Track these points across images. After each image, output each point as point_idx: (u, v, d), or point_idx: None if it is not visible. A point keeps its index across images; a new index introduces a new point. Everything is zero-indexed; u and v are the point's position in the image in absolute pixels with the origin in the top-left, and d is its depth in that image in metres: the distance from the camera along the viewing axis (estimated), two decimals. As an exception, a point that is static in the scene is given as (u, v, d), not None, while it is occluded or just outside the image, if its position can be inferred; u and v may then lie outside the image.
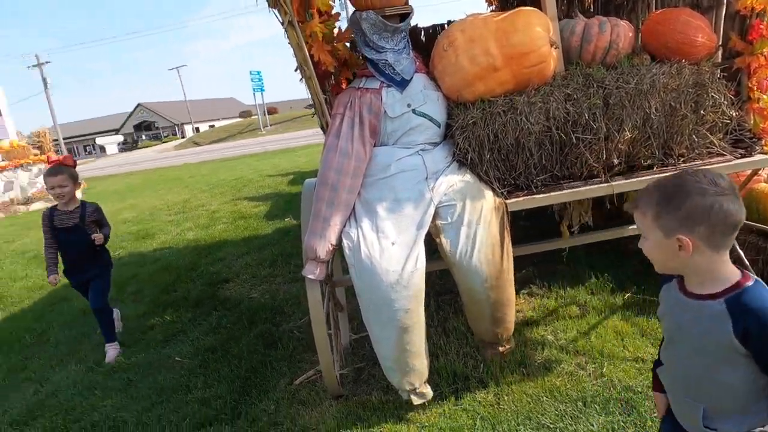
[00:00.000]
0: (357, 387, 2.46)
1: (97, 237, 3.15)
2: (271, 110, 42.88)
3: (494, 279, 2.02)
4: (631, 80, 2.14)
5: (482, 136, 2.18)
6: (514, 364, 2.38)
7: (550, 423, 2.01)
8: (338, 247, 2.14)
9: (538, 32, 2.09)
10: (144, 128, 61.32)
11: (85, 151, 61.04)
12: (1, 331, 4.02)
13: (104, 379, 2.94)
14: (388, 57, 2.22)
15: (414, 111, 2.20)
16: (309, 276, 2.11)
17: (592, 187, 2.24)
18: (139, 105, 62.70)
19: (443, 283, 3.41)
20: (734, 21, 2.44)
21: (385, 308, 1.97)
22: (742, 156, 2.28)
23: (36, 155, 13.37)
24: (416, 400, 2.12)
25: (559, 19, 2.31)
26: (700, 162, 2.29)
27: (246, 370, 2.74)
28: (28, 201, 12.40)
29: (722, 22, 2.46)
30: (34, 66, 40.49)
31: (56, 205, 3.22)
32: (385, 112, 2.19)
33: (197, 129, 52.90)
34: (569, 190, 2.24)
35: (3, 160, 12.83)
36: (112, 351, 3.20)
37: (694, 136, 2.25)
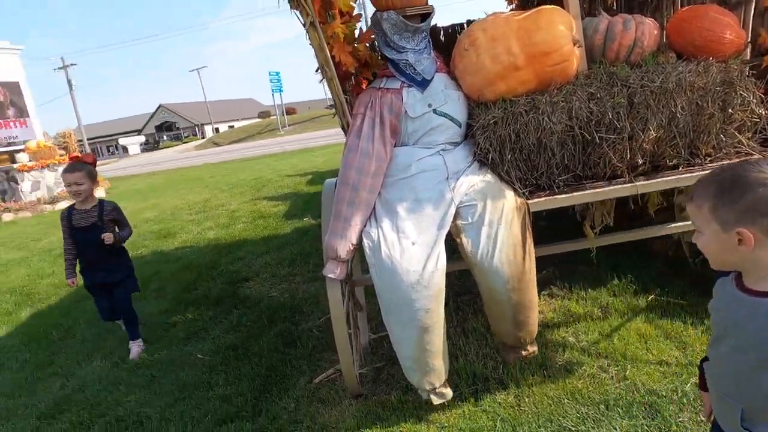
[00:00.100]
0: (376, 386, 2.46)
1: (106, 236, 3.03)
2: (290, 110, 43.21)
3: (516, 280, 1.99)
4: (656, 79, 2.11)
5: (504, 136, 2.17)
6: (535, 366, 2.36)
7: (572, 426, 1.99)
8: (359, 247, 2.15)
9: (561, 31, 2.06)
10: (165, 129, 62.35)
11: (108, 151, 62.32)
12: (29, 327, 4.13)
13: (128, 375, 3.00)
14: (409, 57, 2.22)
15: (435, 111, 2.19)
16: (329, 275, 2.12)
17: (615, 187, 2.20)
18: (160, 106, 63.82)
19: (462, 284, 3.40)
20: (763, 17, 2.38)
21: (405, 308, 1.97)
22: (772, 155, 2.23)
23: (62, 156, 13.70)
24: (436, 400, 2.11)
25: (582, 18, 2.28)
26: (728, 162, 2.24)
27: (266, 368, 2.77)
28: (54, 200, 12.71)
29: (751, 18, 2.40)
30: (59, 68, 41.49)
31: (74, 203, 3.16)
32: (405, 112, 2.19)
33: (217, 129, 53.61)
34: (592, 191, 2.21)
35: (30, 161, 13.18)
36: (135, 348, 3.26)
37: (721, 135, 2.21)
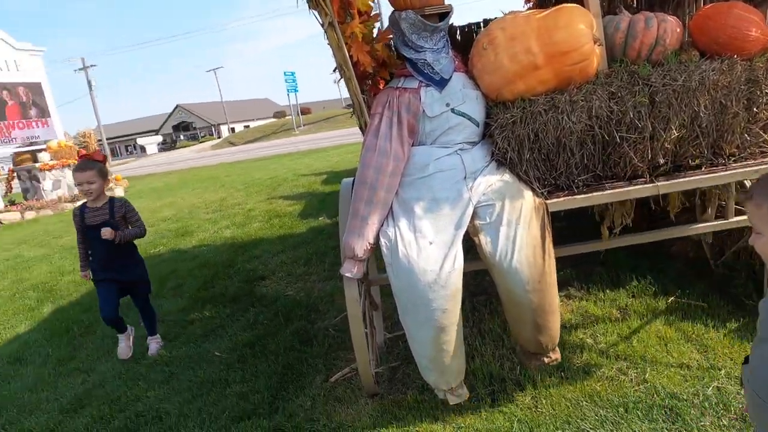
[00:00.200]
0: (392, 386, 2.46)
1: (105, 230, 2.96)
2: (305, 110, 43.43)
3: (536, 282, 1.97)
4: (678, 77, 2.07)
5: (522, 135, 2.15)
6: (552, 368, 2.33)
7: (591, 428, 1.97)
8: (376, 246, 2.15)
9: (582, 29, 2.04)
10: (182, 129, 63.11)
11: (127, 151, 63.33)
12: (52, 322, 4.21)
13: (147, 371, 3.05)
14: (427, 56, 2.21)
15: (453, 110, 2.19)
16: (347, 274, 2.13)
17: (636, 187, 2.17)
18: (177, 106, 64.60)
19: (478, 284, 3.39)
20: (790, 14, 2.33)
21: (422, 308, 1.97)
22: (798, 156, 2.18)
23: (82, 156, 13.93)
24: (453, 400, 2.11)
25: (603, 16, 2.25)
26: (753, 162, 2.19)
27: (282, 366, 2.79)
28: (74, 198, 12.95)
29: (777, 15, 2.35)
30: (80, 69, 42.22)
31: (86, 202, 3.12)
32: (423, 111, 2.19)
33: (233, 129, 54.08)
34: (612, 191, 2.18)
35: (51, 160, 13.44)
36: (154, 344, 3.31)
37: (746, 134, 2.17)
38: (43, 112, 14.89)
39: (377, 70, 2.39)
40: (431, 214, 2.08)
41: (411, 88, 2.22)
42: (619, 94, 2.10)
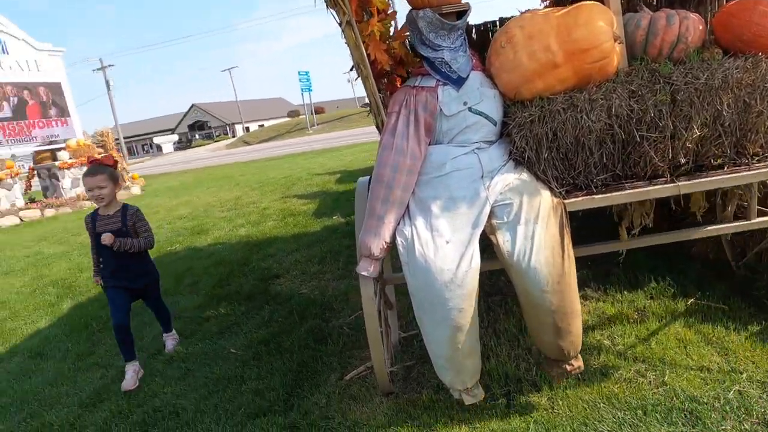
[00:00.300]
0: (407, 385, 2.46)
1: (106, 236, 2.84)
2: (318, 110, 43.61)
3: (555, 283, 1.94)
4: (701, 75, 2.04)
5: (540, 134, 2.13)
6: (569, 369, 2.32)
7: (608, 430, 1.95)
8: (392, 245, 2.15)
9: (601, 27, 2.02)
10: (197, 128, 63.75)
11: (143, 149, 64.14)
12: (71, 318, 4.28)
13: (164, 367, 3.08)
14: (445, 55, 2.20)
15: (470, 109, 2.18)
16: (363, 273, 2.13)
17: (656, 187, 2.14)
18: (193, 106, 65.29)
19: (493, 284, 3.37)
20: (817, 11, 2.27)
21: (438, 307, 1.96)
22: (825, 155, 2.13)
23: (100, 154, 14.17)
24: (468, 400, 2.10)
25: (623, 13, 2.22)
26: (777, 162, 2.15)
27: (297, 363, 2.80)
28: (92, 197, 13.12)
29: (803, 12, 2.29)
30: (98, 69, 42.87)
31: (98, 209, 2.99)
32: (440, 110, 2.18)
33: (247, 128, 54.51)
34: (631, 191, 2.15)
35: (70, 158, 13.67)
36: (170, 341, 3.35)
37: (770, 134, 2.12)
38: (63, 112, 15.14)
39: (394, 69, 2.39)
40: (448, 213, 2.07)
41: (428, 86, 2.22)
42: (640, 93, 2.07)
